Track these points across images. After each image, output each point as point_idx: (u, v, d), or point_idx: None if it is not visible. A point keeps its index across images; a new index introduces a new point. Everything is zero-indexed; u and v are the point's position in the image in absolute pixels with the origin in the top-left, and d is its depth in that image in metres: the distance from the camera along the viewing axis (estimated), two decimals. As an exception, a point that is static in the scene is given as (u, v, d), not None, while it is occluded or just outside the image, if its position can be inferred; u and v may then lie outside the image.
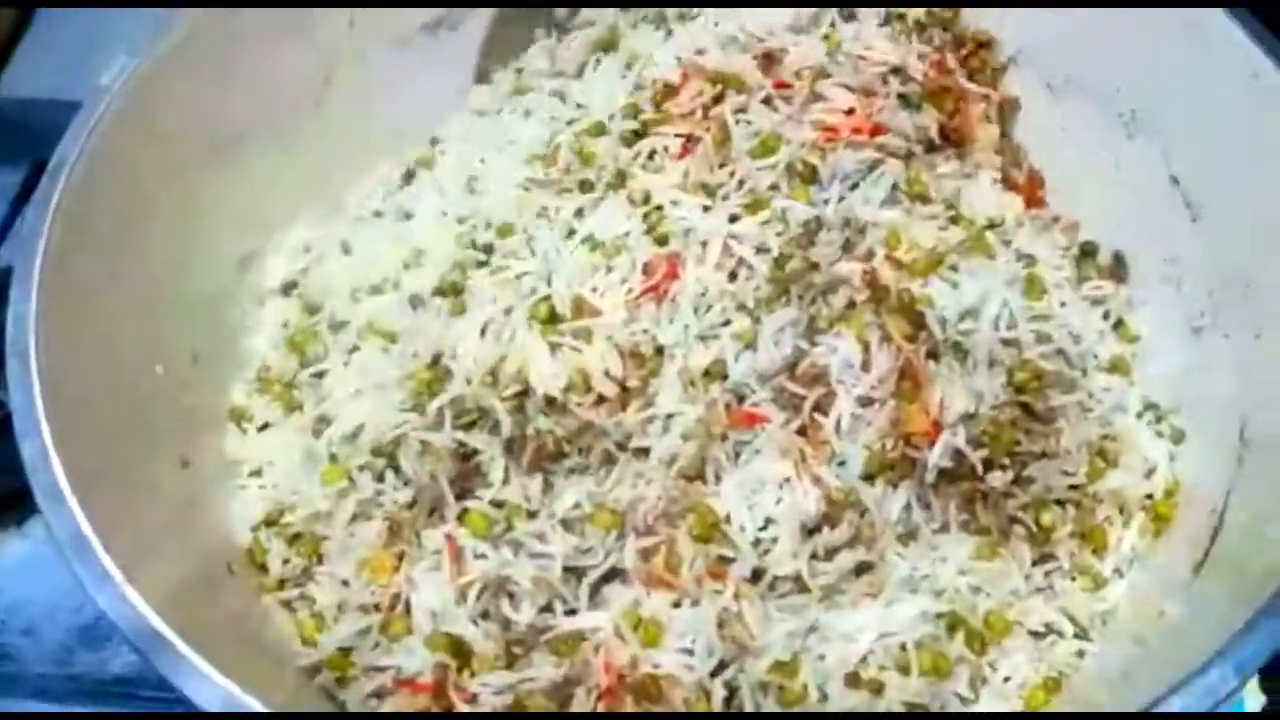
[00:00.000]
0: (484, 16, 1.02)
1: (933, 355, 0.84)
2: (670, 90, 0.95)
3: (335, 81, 0.98)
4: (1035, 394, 0.84)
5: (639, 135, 0.94)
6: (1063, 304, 0.91)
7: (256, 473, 0.86)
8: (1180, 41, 0.89)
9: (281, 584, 0.82)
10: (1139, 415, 0.90)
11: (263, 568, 0.82)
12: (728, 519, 0.79)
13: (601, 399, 0.83)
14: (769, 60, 0.96)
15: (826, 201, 0.90)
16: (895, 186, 0.91)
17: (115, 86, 0.83)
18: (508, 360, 0.84)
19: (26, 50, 1.26)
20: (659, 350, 0.86)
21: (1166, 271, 0.93)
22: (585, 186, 0.93)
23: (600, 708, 0.73)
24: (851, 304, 0.85)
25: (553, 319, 0.86)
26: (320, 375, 0.89)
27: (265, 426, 0.88)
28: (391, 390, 0.84)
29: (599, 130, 0.96)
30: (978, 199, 0.95)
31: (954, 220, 0.93)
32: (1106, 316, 0.94)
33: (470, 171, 0.98)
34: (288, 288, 0.94)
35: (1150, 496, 0.86)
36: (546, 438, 0.81)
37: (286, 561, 0.82)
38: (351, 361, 0.88)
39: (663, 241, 0.89)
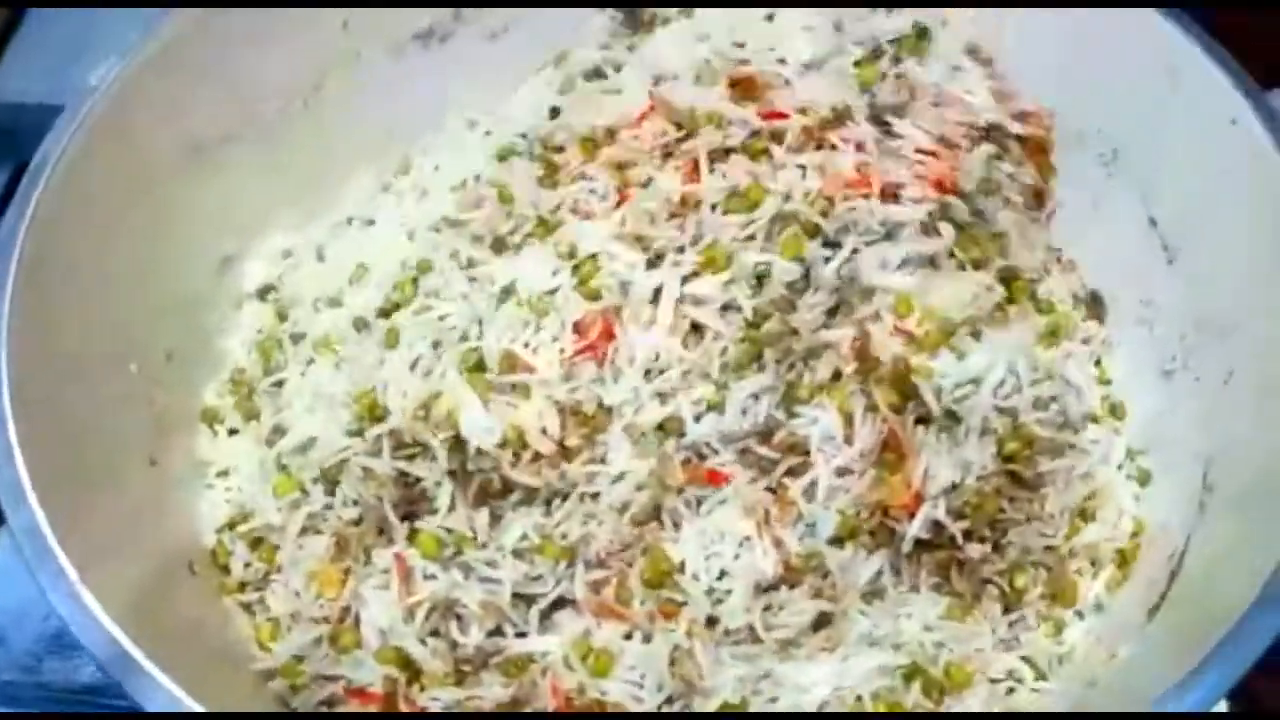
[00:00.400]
0: (478, 28, 1.02)
1: (922, 420, 0.80)
2: (611, 134, 0.90)
3: (326, 86, 0.97)
4: (1025, 462, 0.82)
5: (552, 167, 0.89)
6: (1068, 355, 0.90)
7: (224, 474, 0.87)
8: (1162, 83, 0.89)
9: (242, 586, 0.82)
10: (1119, 467, 0.88)
11: (225, 569, 0.83)
12: (681, 566, 0.77)
13: (539, 456, 0.78)
14: (744, 87, 0.89)
15: (828, 260, 0.83)
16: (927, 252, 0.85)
17: (100, 87, 0.83)
18: (440, 400, 0.79)
19: (16, 52, 1.25)
20: (604, 407, 0.80)
21: (1141, 313, 0.93)
22: (499, 245, 0.87)
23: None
24: (837, 375, 0.80)
25: (482, 367, 0.81)
26: (279, 385, 0.88)
27: (235, 431, 0.89)
28: (339, 409, 0.83)
29: (508, 151, 0.91)
30: (1030, 257, 0.92)
31: (1004, 280, 0.88)
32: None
33: (423, 183, 0.96)
34: (264, 292, 0.94)
35: (1120, 548, 0.86)
36: (492, 474, 0.78)
37: (248, 565, 0.82)
38: (308, 374, 0.87)
39: (594, 296, 0.81)
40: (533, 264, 0.84)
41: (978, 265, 0.87)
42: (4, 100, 1.20)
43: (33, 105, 1.09)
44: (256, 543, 0.83)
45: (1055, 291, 0.94)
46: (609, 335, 0.80)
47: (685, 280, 0.81)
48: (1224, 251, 0.86)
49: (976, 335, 0.84)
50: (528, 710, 0.74)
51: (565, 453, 0.79)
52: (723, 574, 0.77)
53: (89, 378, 0.80)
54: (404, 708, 0.74)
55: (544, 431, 0.78)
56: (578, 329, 0.80)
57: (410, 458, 0.79)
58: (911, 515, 0.78)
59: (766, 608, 0.76)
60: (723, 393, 0.79)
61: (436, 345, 0.83)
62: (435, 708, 0.74)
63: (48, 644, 0.91)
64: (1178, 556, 0.80)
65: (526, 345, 0.80)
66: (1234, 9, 0.89)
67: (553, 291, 0.82)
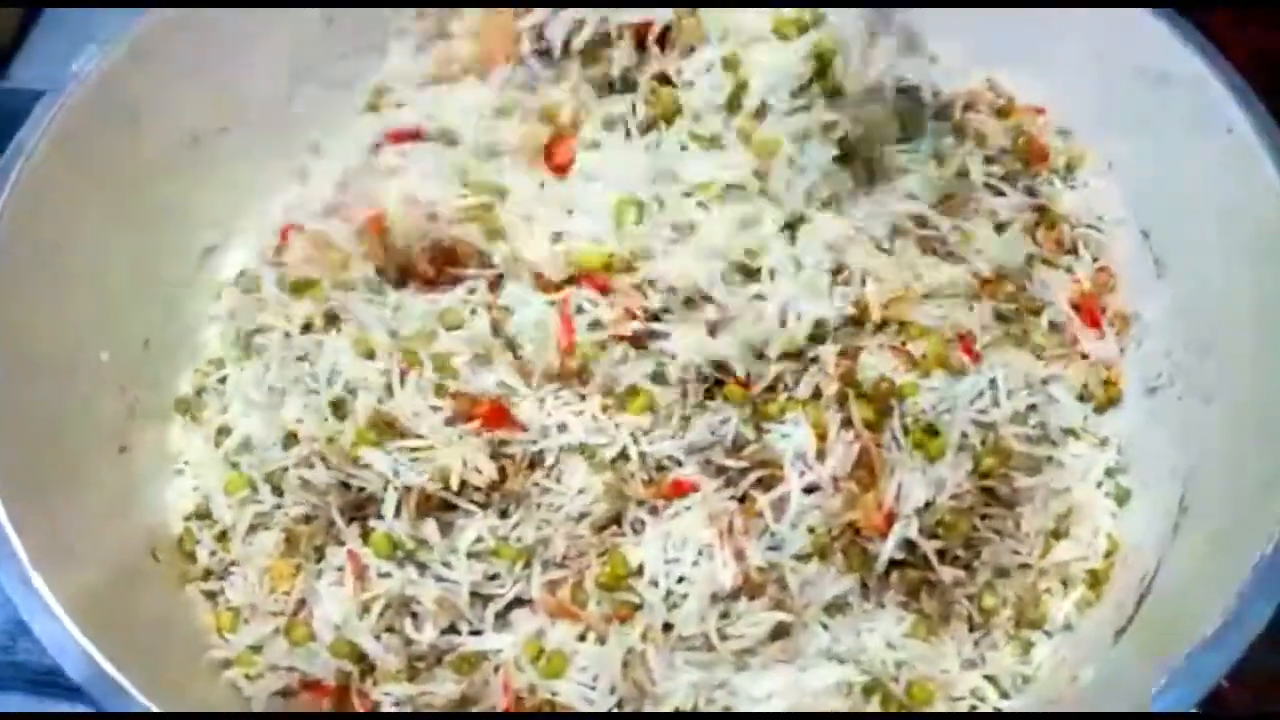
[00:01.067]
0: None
1: (897, 436, 0.78)
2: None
3: (309, 82, 0.98)
4: (1001, 478, 0.80)
5: None
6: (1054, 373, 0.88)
7: (189, 464, 0.86)
8: (1161, 91, 0.87)
9: (206, 574, 0.82)
10: (1099, 484, 0.86)
11: (190, 556, 0.83)
12: (640, 570, 0.75)
13: (477, 488, 0.75)
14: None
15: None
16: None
17: (81, 75, 0.84)
18: (344, 435, 0.75)
19: (36, 42, 1.27)
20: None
21: (1130, 328, 0.91)
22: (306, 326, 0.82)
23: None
24: (817, 393, 0.78)
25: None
26: (224, 381, 0.87)
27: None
28: (271, 413, 0.81)
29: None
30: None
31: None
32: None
33: None
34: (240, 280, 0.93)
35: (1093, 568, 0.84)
36: (434, 492, 0.75)
37: (213, 553, 0.82)
38: (246, 370, 0.85)
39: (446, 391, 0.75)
40: (346, 359, 0.78)
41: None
42: (12, 87, 1.22)
43: (25, 90, 1.09)
44: (222, 533, 0.83)
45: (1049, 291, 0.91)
46: (501, 416, 0.76)
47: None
48: (1212, 269, 0.85)
49: (978, 357, 0.82)
50: (477, 710, 0.74)
51: (509, 490, 0.77)
52: (681, 579, 0.75)
53: (62, 366, 0.81)
54: (357, 701, 0.75)
55: (478, 470, 0.74)
56: (468, 416, 0.76)
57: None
58: (883, 535, 0.76)
59: (723, 615, 0.75)
60: (684, 424, 0.78)
61: (312, 389, 0.79)
62: (387, 703, 0.75)
63: (19, 624, 0.90)
64: (1148, 579, 0.79)
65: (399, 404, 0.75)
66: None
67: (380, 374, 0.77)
